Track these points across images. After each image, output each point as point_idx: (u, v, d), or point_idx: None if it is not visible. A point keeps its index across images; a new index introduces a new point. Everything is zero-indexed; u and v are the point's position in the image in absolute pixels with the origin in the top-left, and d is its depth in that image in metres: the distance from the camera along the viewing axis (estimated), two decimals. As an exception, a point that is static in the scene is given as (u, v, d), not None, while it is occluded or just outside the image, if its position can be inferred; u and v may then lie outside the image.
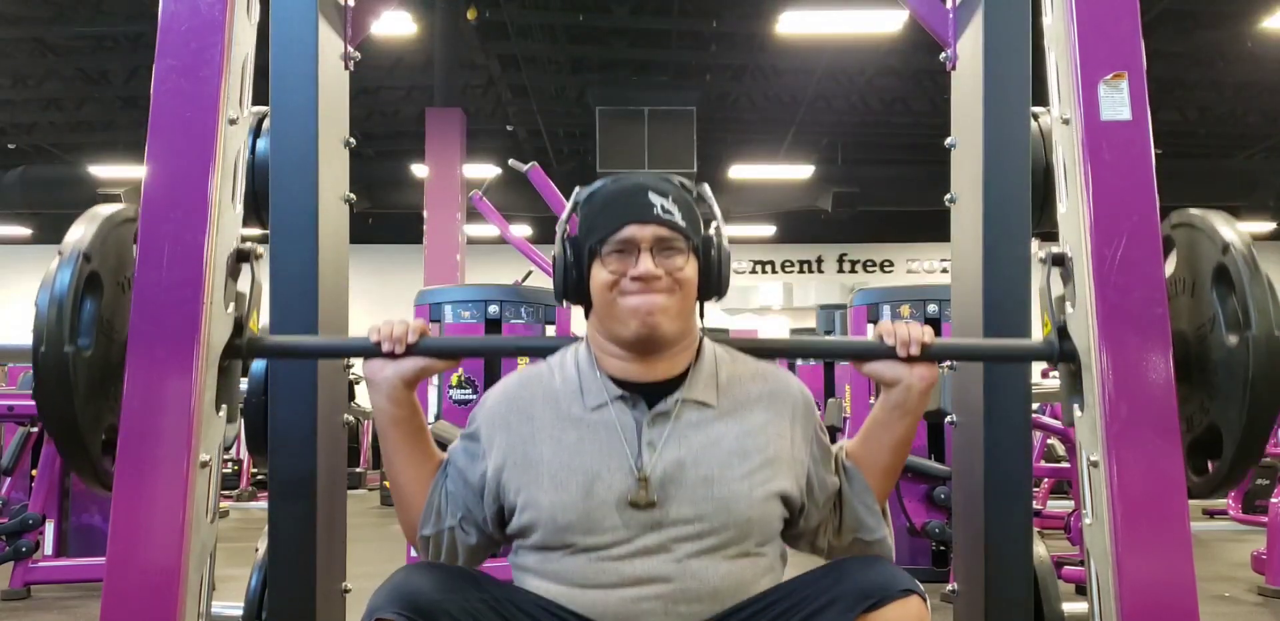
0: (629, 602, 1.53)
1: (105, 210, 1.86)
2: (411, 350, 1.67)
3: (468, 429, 1.67)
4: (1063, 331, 1.86)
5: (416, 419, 1.68)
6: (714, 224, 1.66)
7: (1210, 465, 1.90)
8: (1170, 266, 1.93)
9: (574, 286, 1.63)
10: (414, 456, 1.68)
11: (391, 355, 1.66)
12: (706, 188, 1.70)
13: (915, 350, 1.66)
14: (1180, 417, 1.79)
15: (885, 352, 1.68)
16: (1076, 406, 1.86)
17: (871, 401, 5.17)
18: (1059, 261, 1.89)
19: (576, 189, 1.67)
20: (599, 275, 1.59)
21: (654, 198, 1.59)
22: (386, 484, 7.22)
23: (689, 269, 1.59)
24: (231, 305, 1.85)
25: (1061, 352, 1.84)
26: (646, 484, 1.54)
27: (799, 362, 7.03)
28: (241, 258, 1.88)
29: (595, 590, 1.55)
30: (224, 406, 1.84)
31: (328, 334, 2.16)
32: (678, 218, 1.59)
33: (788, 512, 1.63)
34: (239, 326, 1.85)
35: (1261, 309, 1.75)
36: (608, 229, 1.59)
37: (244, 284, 1.92)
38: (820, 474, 1.66)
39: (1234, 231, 1.83)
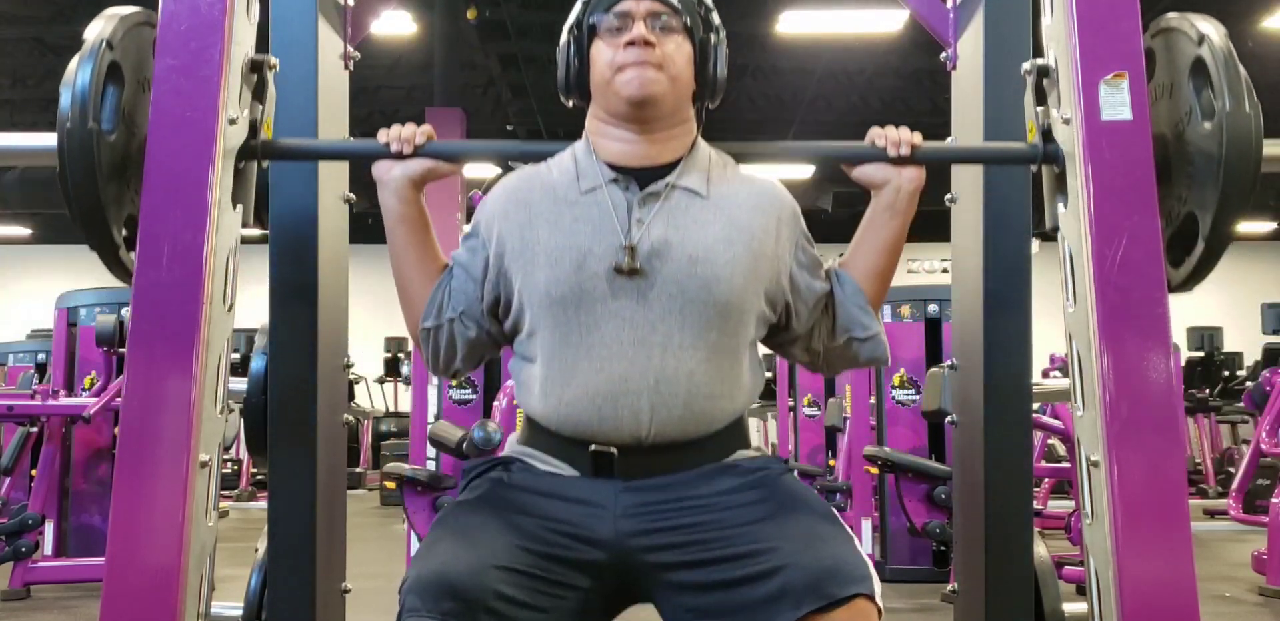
0: (609, 386, 1.57)
1: (124, 10, 1.90)
2: (419, 151, 1.75)
3: (469, 230, 1.75)
4: (1047, 134, 1.90)
5: (423, 219, 1.76)
6: (714, 20, 1.72)
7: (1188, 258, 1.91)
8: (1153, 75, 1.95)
9: (575, 75, 1.70)
10: (419, 252, 1.75)
11: (400, 156, 1.75)
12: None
13: (905, 151, 1.76)
14: (1160, 214, 1.82)
15: (876, 155, 1.78)
16: (1061, 205, 1.88)
17: (871, 401, 5.17)
18: (1044, 72, 1.92)
19: None
20: (598, 56, 1.66)
21: None
22: (386, 483, 7.21)
23: (683, 47, 1.66)
24: (246, 109, 1.88)
25: (1045, 154, 1.89)
26: (633, 252, 1.60)
27: (799, 362, 7.01)
28: (255, 68, 1.91)
29: (581, 373, 1.59)
30: (240, 206, 1.87)
31: (328, 333, 2.16)
32: None
33: (770, 312, 1.68)
34: (254, 129, 1.89)
35: (1233, 85, 1.77)
36: (604, 3, 1.66)
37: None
38: (806, 278, 1.72)
39: (1211, 25, 1.84)
